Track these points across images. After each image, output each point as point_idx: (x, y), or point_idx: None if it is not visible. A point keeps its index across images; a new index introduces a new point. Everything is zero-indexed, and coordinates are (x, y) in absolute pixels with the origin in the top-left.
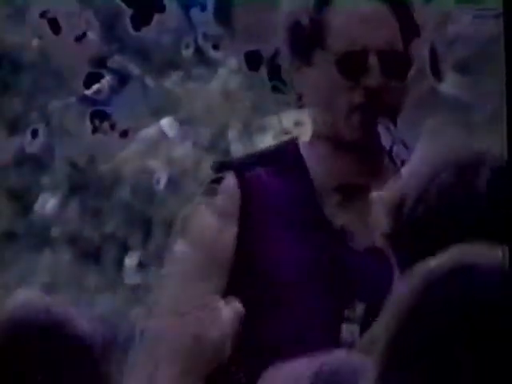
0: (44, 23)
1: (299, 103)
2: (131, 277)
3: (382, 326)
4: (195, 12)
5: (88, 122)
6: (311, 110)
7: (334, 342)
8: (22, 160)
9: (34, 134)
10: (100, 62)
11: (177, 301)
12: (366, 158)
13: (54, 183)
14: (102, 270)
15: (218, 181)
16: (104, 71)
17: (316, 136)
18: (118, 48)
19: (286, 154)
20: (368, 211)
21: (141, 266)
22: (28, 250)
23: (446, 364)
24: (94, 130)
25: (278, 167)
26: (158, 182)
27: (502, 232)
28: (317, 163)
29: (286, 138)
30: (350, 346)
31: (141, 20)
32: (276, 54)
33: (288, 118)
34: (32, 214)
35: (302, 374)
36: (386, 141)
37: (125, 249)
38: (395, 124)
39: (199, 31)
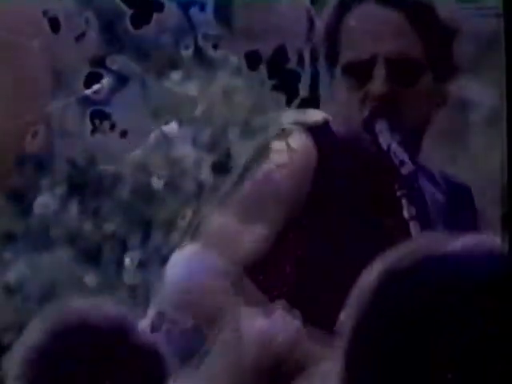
0: (44, 23)
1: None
2: (131, 277)
3: (346, 314)
4: (195, 12)
5: (88, 122)
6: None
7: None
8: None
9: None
10: (100, 62)
11: (228, 229)
12: (372, 157)
13: (54, 183)
14: (102, 270)
15: (291, 131)
16: (104, 71)
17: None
18: (117, 48)
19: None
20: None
21: (141, 265)
22: (27, 250)
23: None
24: (94, 130)
25: (340, 139)
26: (157, 181)
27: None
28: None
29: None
30: None
31: (140, 20)
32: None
33: (288, 118)
34: (32, 214)
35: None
36: (383, 141)
37: (124, 249)
38: (419, 139)
39: (199, 31)
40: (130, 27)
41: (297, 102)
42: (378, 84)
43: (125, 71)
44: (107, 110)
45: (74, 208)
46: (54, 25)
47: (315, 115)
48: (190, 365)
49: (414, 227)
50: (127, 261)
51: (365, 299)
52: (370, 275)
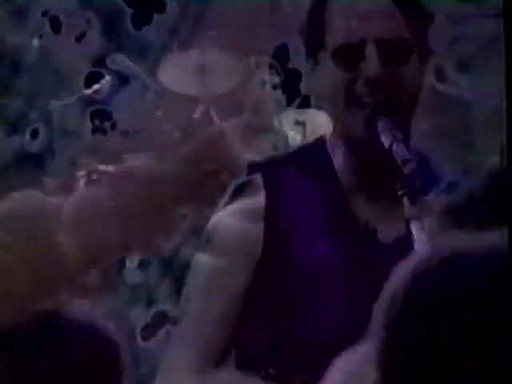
0: (45, 23)
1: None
2: (132, 277)
3: (378, 309)
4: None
5: (88, 122)
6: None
7: (364, 337)
8: (22, 160)
9: (34, 133)
10: (100, 62)
11: (203, 309)
12: (374, 155)
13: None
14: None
15: (244, 183)
16: (104, 71)
17: (334, 135)
18: (118, 48)
19: (314, 153)
20: (394, 205)
21: (142, 265)
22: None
23: (439, 350)
24: (94, 130)
25: (306, 166)
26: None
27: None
28: (341, 161)
29: (314, 137)
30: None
31: (141, 20)
32: (276, 52)
33: (288, 118)
34: None
35: None
36: (385, 139)
37: None
38: (409, 121)
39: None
40: (130, 27)
41: (297, 101)
42: (371, 65)
43: (125, 71)
44: (107, 109)
45: None
46: (55, 25)
47: (316, 115)
48: None
49: (414, 227)
50: (128, 261)
51: (396, 298)
52: (400, 274)
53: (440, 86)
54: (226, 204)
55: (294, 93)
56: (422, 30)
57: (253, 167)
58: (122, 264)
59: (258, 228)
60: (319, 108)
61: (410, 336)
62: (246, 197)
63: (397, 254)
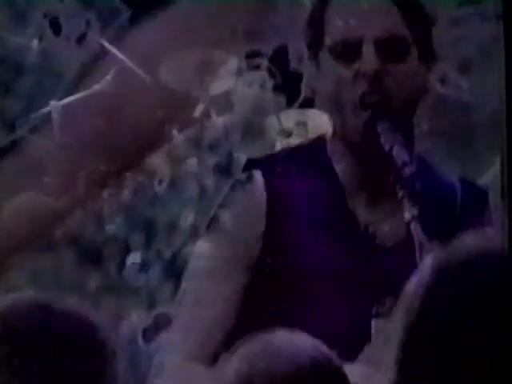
0: (45, 24)
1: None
2: (133, 278)
3: (397, 319)
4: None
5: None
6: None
7: (364, 338)
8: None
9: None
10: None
11: (200, 294)
12: (374, 157)
13: None
14: (104, 272)
15: (244, 179)
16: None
17: (334, 136)
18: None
19: (314, 153)
20: (394, 207)
21: (143, 267)
22: (30, 252)
23: (459, 357)
24: None
25: (306, 166)
26: (159, 183)
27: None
28: (341, 162)
29: (314, 136)
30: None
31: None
32: (276, 53)
33: (288, 118)
34: None
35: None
36: (385, 142)
37: (127, 250)
38: (410, 123)
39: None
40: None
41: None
42: (368, 61)
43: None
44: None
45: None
46: (55, 27)
47: (316, 116)
48: None
49: (414, 228)
50: (129, 262)
51: (418, 295)
52: (423, 271)
53: (441, 89)
54: (226, 200)
55: (294, 93)
56: (425, 34)
57: (252, 164)
58: (122, 264)
59: (260, 228)
60: (320, 109)
61: (432, 331)
62: (248, 193)
63: (396, 256)
